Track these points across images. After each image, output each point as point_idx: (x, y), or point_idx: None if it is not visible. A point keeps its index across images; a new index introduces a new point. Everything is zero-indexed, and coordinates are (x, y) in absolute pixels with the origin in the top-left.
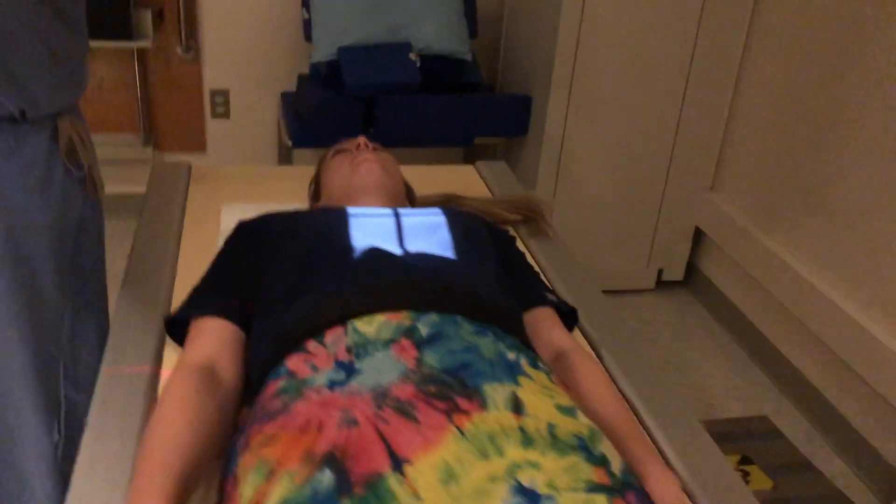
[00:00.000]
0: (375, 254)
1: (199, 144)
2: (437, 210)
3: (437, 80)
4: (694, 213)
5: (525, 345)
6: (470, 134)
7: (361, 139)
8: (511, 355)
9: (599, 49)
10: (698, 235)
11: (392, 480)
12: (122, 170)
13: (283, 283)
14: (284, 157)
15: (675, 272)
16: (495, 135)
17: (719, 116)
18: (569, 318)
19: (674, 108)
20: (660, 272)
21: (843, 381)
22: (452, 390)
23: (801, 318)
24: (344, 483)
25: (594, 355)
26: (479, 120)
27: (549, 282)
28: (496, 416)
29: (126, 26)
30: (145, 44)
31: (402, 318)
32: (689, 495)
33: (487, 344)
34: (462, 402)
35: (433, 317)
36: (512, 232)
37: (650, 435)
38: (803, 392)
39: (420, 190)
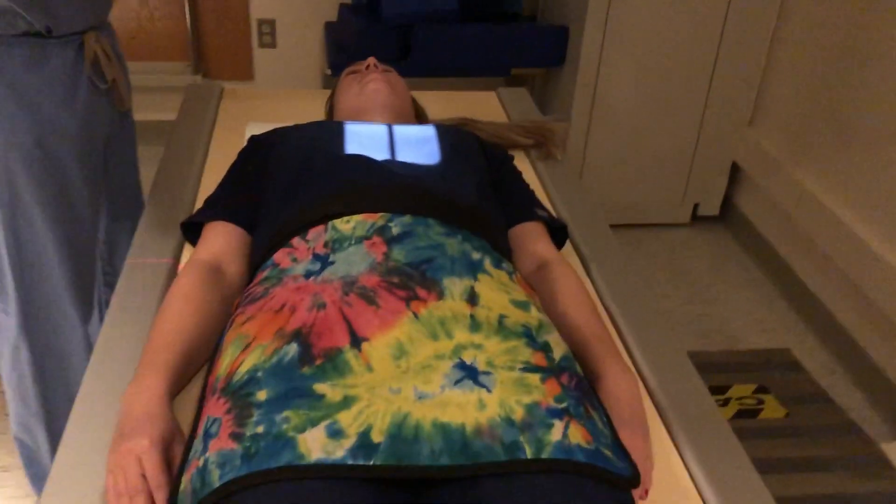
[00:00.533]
0: (361, 161)
1: (246, 73)
2: (430, 126)
3: (476, 9)
4: (731, 147)
5: (497, 249)
6: (507, 64)
7: (371, 60)
8: (475, 255)
9: None
10: (735, 171)
11: (349, 354)
12: (173, 97)
13: (279, 189)
14: (327, 87)
15: (711, 207)
16: (532, 65)
17: (760, 50)
18: (560, 234)
19: (712, 40)
20: (696, 207)
21: (866, 315)
22: (413, 281)
23: (829, 253)
24: (306, 355)
25: (574, 268)
26: (516, 50)
27: (553, 205)
28: (451, 304)
29: None
30: None
31: (378, 219)
32: (665, 420)
33: (454, 244)
34: (421, 292)
35: (406, 218)
36: (515, 154)
37: (632, 359)
38: (827, 326)
39: (440, 114)
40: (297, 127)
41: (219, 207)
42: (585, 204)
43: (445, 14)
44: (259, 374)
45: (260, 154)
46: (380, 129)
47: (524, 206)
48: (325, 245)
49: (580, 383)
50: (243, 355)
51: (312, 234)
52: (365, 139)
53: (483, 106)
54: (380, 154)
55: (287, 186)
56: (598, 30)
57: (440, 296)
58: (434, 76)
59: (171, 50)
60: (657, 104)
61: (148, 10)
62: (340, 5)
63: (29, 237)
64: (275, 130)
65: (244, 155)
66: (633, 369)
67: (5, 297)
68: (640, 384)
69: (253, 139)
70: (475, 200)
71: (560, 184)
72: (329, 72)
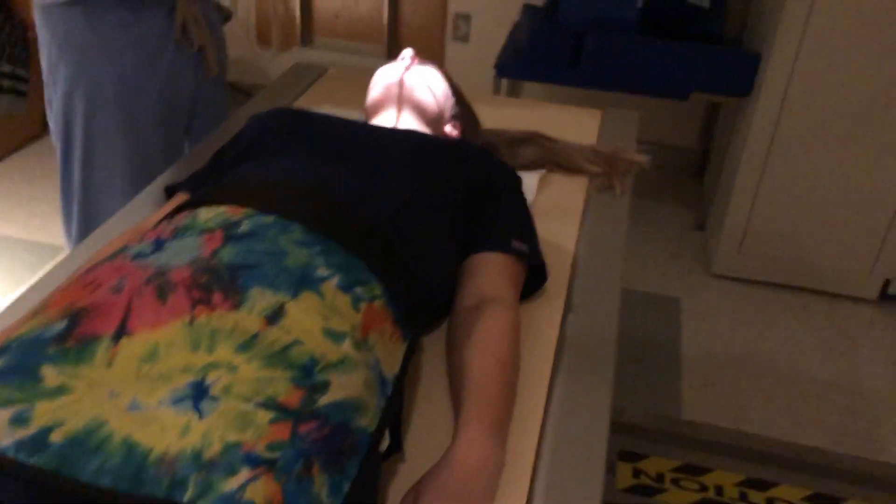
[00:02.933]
0: (298, 158)
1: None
2: (416, 133)
3: (665, 24)
4: None
5: (384, 272)
6: (685, 87)
7: (407, 52)
8: (322, 271)
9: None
10: None
11: (103, 344)
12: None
13: (219, 169)
14: (498, 86)
15: None
16: (713, 91)
17: None
18: (538, 274)
19: None
20: (886, 284)
21: None
22: (218, 284)
23: None
24: (66, 334)
25: (516, 314)
26: (696, 73)
27: (577, 242)
28: (241, 317)
29: None
30: None
31: (238, 214)
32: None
33: (302, 254)
34: (217, 297)
35: (267, 218)
36: (524, 175)
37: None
38: None
39: (518, 125)
40: (294, 113)
41: (192, 180)
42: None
43: (622, 22)
44: (14, 343)
45: (249, 133)
46: (354, 128)
47: (496, 234)
48: (174, 231)
49: (331, 439)
50: (27, 321)
51: (178, 218)
52: (332, 138)
53: (578, 124)
54: (331, 154)
55: (221, 168)
56: (787, 59)
57: (236, 306)
58: (603, 89)
59: (369, 32)
60: (850, 154)
61: None
62: (524, 5)
63: (102, 188)
64: (274, 111)
65: (239, 132)
66: (504, 448)
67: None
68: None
69: (253, 117)
70: (386, 219)
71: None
72: (494, 72)
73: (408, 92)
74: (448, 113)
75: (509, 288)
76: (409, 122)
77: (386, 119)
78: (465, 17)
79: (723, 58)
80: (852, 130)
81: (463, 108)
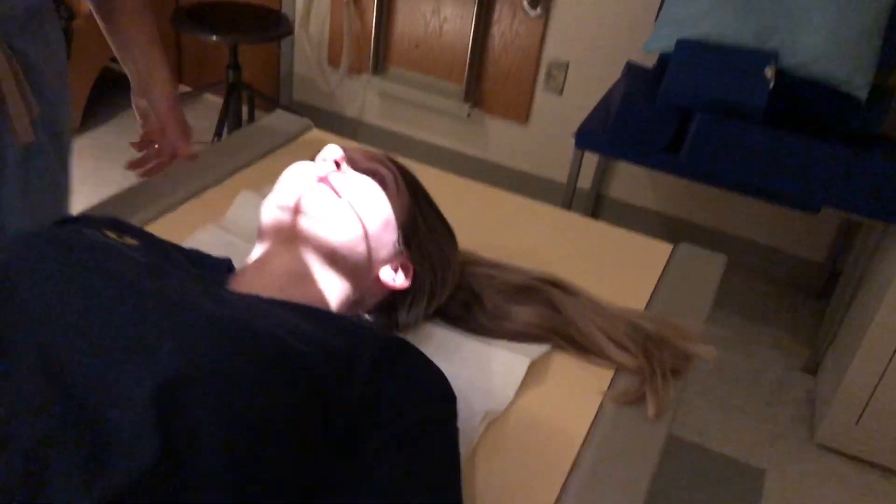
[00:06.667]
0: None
1: (521, 114)
2: (264, 301)
3: (800, 113)
4: None
5: None
6: (817, 197)
7: (331, 151)
8: None
9: None
10: None
11: None
12: (433, 118)
13: None
14: (579, 159)
15: None
16: (855, 210)
17: None
18: None
19: None
20: None
21: None
22: None
23: None
24: None
25: None
26: (834, 181)
27: None
28: None
29: None
30: None
31: None
32: None
33: None
34: None
35: None
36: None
37: None
38: None
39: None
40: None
41: None
42: None
43: (747, 109)
44: None
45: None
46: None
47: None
48: None
49: None
50: None
51: None
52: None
53: (637, 261)
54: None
55: None
56: None
57: None
58: (706, 183)
59: (449, 69)
60: None
61: (438, 21)
62: (627, 63)
63: None
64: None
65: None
66: None
67: None
68: None
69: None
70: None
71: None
72: (573, 140)
73: (307, 223)
74: (385, 252)
75: None
76: (302, 272)
77: (266, 265)
78: (562, 66)
79: (875, 167)
80: None
81: (423, 240)
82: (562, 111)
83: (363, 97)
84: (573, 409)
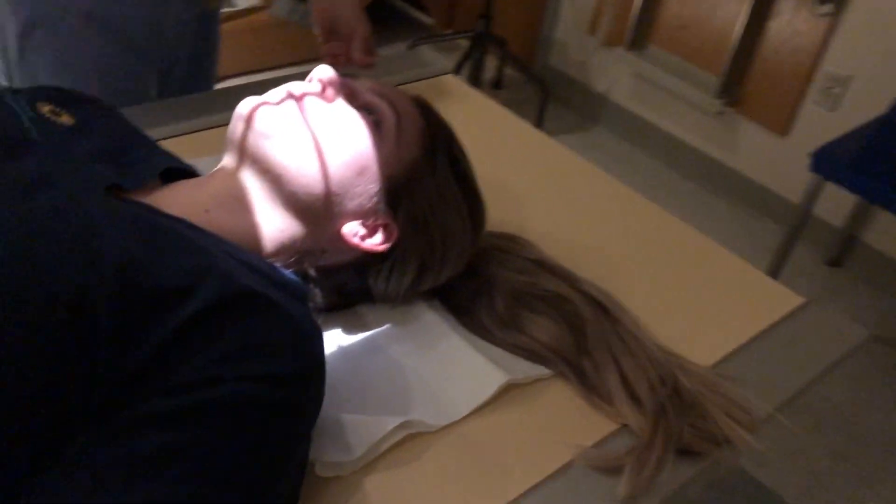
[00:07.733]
0: None
1: (781, 125)
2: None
3: None
4: None
5: None
6: None
7: (322, 73)
8: None
9: None
10: None
11: None
12: (684, 109)
13: None
14: (818, 186)
15: None
16: None
17: None
18: None
19: None
20: None
21: None
22: None
23: None
24: None
25: None
26: None
27: None
28: None
29: None
30: None
31: None
32: None
33: None
34: None
35: None
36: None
37: None
38: None
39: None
40: None
41: None
42: None
43: None
44: None
45: None
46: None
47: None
48: None
49: None
50: None
51: None
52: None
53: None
54: None
55: None
56: None
57: None
58: None
59: (710, 59)
60: None
61: (711, 2)
62: None
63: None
64: None
65: None
66: None
67: None
68: None
69: None
70: None
71: None
72: (815, 170)
73: (253, 138)
74: (355, 205)
75: None
76: (238, 196)
77: (206, 182)
78: (843, 80)
79: None
80: None
81: (422, 205)
82: (832, 131)
83: (614, 73)
84: (539, 450)
